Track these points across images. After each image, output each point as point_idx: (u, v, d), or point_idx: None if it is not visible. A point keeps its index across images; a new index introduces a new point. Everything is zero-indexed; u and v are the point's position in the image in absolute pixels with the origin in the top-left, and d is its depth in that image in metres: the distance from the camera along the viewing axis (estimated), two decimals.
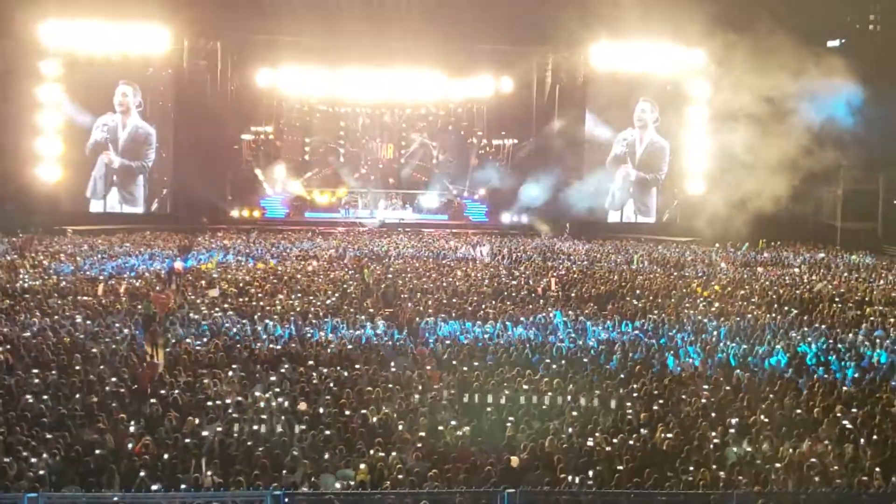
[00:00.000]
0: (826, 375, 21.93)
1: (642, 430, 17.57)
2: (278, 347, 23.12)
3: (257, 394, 19.23)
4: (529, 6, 53.56)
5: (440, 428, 17.53)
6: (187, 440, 16.40)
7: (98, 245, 42.50)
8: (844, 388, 20.59)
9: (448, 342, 24.29)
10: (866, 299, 32.65)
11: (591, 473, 15.57)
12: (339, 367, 21.46)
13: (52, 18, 50.63)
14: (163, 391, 19.11)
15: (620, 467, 15.79)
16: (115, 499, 13.94)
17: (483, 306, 29.44)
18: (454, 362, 22.20)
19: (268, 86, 56.90)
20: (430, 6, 52.40)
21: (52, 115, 51.79)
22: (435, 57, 55.55)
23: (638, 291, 32.88)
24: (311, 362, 21.79)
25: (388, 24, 52.92)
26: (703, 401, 19.56)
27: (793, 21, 49.39)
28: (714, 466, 15.95)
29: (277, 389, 19.57)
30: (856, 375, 21.89)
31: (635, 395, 19.91)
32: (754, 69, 48.48)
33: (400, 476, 15.19)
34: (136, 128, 54.02)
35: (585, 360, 22.73)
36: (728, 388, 20.71)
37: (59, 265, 35.53)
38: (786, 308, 30.34)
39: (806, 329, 27.16)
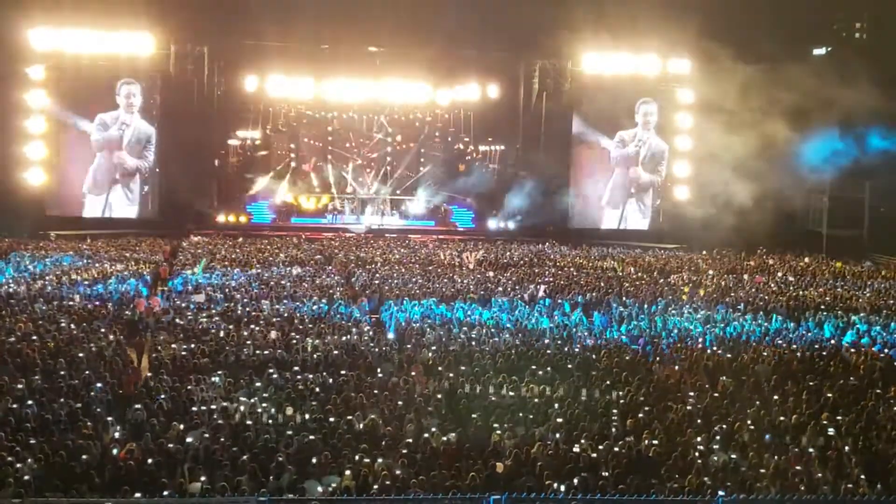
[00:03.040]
0: (811, 382, 21.96)
1: (628, 437, 17.60)
2: (265, 353, 23.06)
3: (243, 399, 19.19)
4: (516, 13, 53.57)
5: (426, 434, 17.53)
6: (172, 446, 16.36)
7: (84, 250, 42.22)
8: (829, 395, 20.65)
9: (434, 348, 24.28)
10: (853, 307, 32.73)
11: (576, 480, 15.59)
12: (324, 373, 21.43)
13: (40, 27, 50.32)
14: (148, 397, 19.04)
15: (606, 474, 15.82)
16: None
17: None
18: (440, 368, 22.18)
19: (254, 91, 56.64)
20: (417, 13, 52.35)
21: (39, 119, 51.46)
22: (422, 63, 55.49)
23: (624, 298, 32.94)
24: (296, 368, 21.76)
25: (375, 30, 52.95)
26: (689, 408, 19.61)
27: (778, 29, 49.65)
28: (699, 473, 15.98)
29: (264, 395, 19.53)
30: (841, 382, 21.94)
31: (621, 401, 19.94)
32: (740, 77, 48.68)
33: (386, 482, 15.18)
34: (138, 127, 53.75)
35: (571, 366, 22.72)
36: (714, 394, 20.77)
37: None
38: (771, 316, 30.40)
39: (792, 336, 27.29)
